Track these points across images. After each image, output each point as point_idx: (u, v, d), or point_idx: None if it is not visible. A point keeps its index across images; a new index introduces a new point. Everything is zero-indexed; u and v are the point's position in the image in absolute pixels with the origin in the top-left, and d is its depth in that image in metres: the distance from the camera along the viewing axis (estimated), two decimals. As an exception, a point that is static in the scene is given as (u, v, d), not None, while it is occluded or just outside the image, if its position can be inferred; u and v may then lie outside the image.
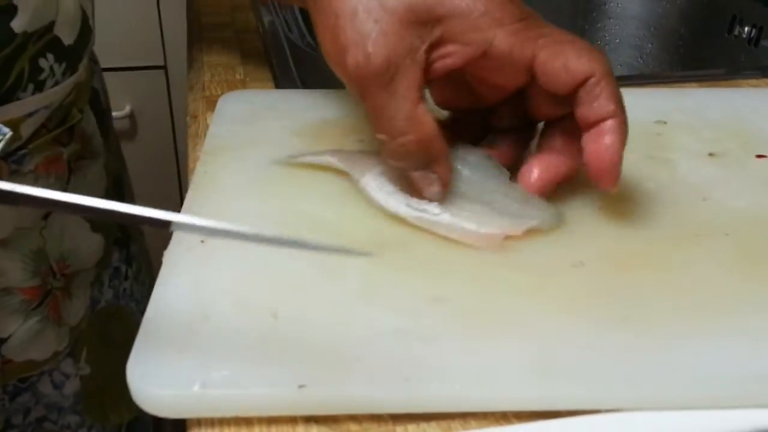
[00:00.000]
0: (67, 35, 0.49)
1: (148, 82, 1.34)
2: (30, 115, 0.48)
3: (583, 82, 0.38)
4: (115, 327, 0.59)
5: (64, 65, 0.50)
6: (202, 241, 0.41)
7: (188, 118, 0.61)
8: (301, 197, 0.45)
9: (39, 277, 0.51)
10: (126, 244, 0.61)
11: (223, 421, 0.32)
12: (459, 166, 0.43)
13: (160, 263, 0.40)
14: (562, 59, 0.38)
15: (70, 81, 0.52)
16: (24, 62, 0.46)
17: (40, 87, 0.48)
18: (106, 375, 0.58)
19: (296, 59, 0.69)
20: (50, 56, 0.49)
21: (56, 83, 0.50)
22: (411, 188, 0.41)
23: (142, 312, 0.61)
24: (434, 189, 0.40)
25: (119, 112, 1.34)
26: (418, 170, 0.40)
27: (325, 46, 0.38)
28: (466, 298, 0.37)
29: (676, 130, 0.52)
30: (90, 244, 0.56)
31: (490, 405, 0.32)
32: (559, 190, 0.44)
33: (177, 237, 0.42)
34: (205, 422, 0.32)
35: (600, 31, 1.00)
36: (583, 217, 0.43)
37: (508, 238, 0.40)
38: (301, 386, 0.32)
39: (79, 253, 0.55)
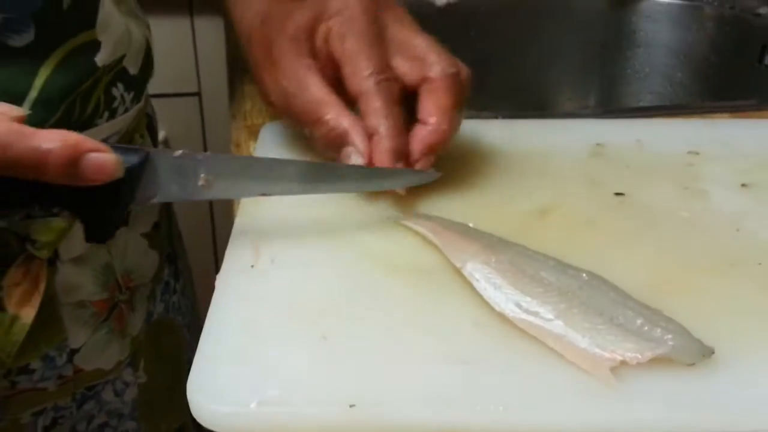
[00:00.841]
0: (132, 65, 0.53)
1: (183, 108, 1.36)
2: (105, 140, 0.51)
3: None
4: (165, 338, 0.63)
5: (132, 94, 0.54)
6: (252, 266, 0.43)
7: (232, 146, 0.63)
8: (347, 224, 0.47)
9: (107, 291, 0.55)
10: (174, 260, 0.64)
11: (278, 431, 0.33)
12: (572, 275, 0.40)
13: (201, 280, 0.42)
14: None
15: (136, 108, 0.55)
16: (100, 92, 0.50)
17: (113, 114, 0.52)
18: (158, 384, 0.61)
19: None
20: (120, 86, 0.52)
21: (126, 110, 0.53)
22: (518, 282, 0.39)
23: (187, 325, 0.65)
24: (356, 160, 0.46)
25: (154, 137, 1.36)
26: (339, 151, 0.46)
27: None
28: (507, 322, 0.38)
29: (708, 160, 0.53)
30: (148, 260, 0.59)
31: (529, 427, 0.34)
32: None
33: (229, 261, 0.43)
34: (261, 431, 0.33)
35: (630, 60, 1.02)
36: (622, 247, 0.44)
37: (623, 364, 0.35)
38: (351, 406, 0.33)
39: (140, 268, 0.58)
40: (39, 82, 0.45)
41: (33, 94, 0.45)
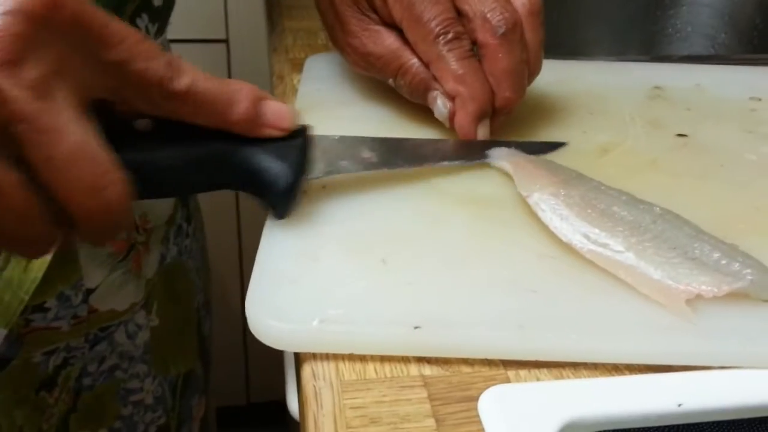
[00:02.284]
0: None
1: (208, 56, 1.34)
2: None
3: None
4: (178, 282, 0.61)
5: (156, 26, 0.52)
6: (304, 192, 0.41)
7: (274, 79, 0.61)
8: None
9: (125, 231, 0.53)
10: (186, 202, 0.63)
11: (338, 356, 0.32)
12: (645, 209, 0.38)
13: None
14: None
15: (159, 41, 0.54)
16: (125, 20, 0.48)
17: None
18: (170, 327, 0.60)
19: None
20: (145, 16, 0.50)
21: None
22: (587, 215, 0.37)
23: (197, 269, 0.63)
24: (442, 104, 0.45)
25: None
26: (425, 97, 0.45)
27: None
28: (574, 256, 0.37)
29: (771, 106, 0.52)
30: (164, 202, 0.58)
31: (602, 356, 0.32)
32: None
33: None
34: (321, 356, 0.32)
35: (672, 18, 0.99)
36: (689, 185, 0.43)
37: (698, 298, 0.33)
38: (416, 327, 0.32)
39: (156, 209, 0.57)
40: None
41: None
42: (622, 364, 0.32)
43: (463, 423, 0.30)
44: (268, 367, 1.39)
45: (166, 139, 0.36)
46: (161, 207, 0.58)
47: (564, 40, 0.98)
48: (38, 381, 0.52)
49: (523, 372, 0.32)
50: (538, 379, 0.32)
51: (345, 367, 0.32)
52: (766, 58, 0.65)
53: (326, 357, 0.32)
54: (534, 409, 0.30)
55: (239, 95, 0.36)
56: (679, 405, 0.30)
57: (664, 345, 0.32)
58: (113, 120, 0.35)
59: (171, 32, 1.20)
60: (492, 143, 0.44)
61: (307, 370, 0.32)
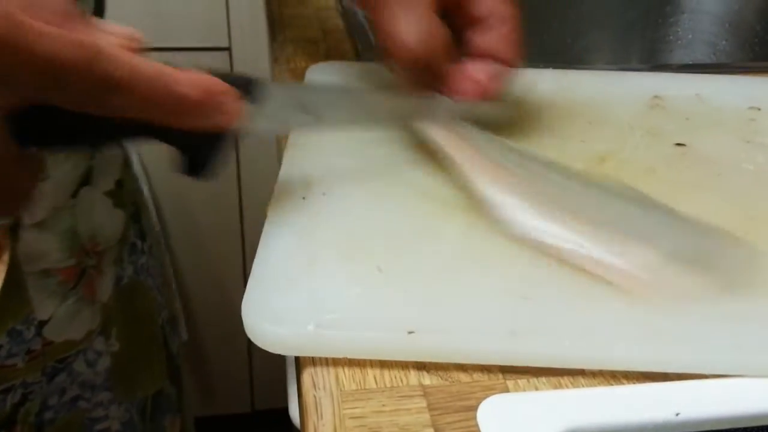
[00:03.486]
0: (86, 5, 0.49)
1: (212, 62, 1.35)
2: None
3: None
4: (138, 302, 0.59)
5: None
6: (304, 198, 0.42)
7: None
8: (395, 158, 0.46)
9: (74, 256, 0.52)
10: (138, 218, 0.60)
11: (337, 363, 0.33)
12: (599, 195, 0.40)
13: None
14: None
15: None
16: None
17: None
18: (133, 350, 0.59)
19: (361, 41, 0.70)
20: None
21: None
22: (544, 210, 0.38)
23: (158, 286, 0.61)
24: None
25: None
26: (425, 86, 0.42)
27: None
28: (567, 263, 0.37)
29: (770, 116, 0.52)
30: (113, 221, 0.56)
31: (595, 363, 0.33)
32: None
33: (278, 192, 0.43)
34: (321, 365, 0.33)
35: (672, 26, 0.99)
36: (686, 194, 0.43)
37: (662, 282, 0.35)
38: (410, 332, 0.32)
39: (106, 229, 0.55)
40: None
41: None
42: (620, 374, 0.33)
43: (462, 432, 0.30)
44: (273, 374, 1.39)
45: None
46: (111, 226, 0.56)
47: (564, 48, 0.98)
48: None
49: (521, 381, 0.32)
50: (536, 389, 0.32)
51: (345, 376, 0.32)
52: (766, 66, 0.65)
53: (326, 365, 0.33)
54: (532, 418, 0.30)
55: (189, 103, 0.33)
56: (677, 414, 0.31)
57: (658, 352, 0.33)
58: None
59: (176, 41, 1.20)
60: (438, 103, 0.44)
61: (307, 379, 0.32)
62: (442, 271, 0.36)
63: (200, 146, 0.35)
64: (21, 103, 0.30)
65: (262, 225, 0.40)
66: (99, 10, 0.51)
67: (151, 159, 1.20)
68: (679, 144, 0.48)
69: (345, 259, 0.37)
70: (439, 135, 0.43)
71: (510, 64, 0.44)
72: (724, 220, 0.41)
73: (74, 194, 0.51)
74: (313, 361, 0.33)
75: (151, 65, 0.32)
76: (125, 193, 0.57)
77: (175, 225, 1.29)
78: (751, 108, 0.53)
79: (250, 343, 0.33)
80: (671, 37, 1.00)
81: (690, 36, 0.99)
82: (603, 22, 1.00)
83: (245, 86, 0.36)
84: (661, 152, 0.47)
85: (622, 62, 0.99)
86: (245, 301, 0.34)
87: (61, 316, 0.51)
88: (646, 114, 0.52)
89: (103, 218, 0.54)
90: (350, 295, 0.35)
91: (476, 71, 0.44)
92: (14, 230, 0.47)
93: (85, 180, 0.52)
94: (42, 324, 0.50)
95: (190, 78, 0.33)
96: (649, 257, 0.35)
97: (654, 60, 1.00)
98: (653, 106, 0.53)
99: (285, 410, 0.62)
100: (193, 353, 1.38)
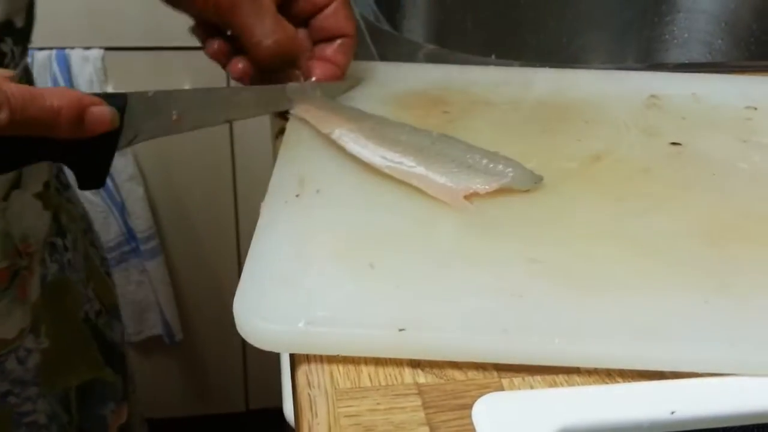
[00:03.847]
0: (19, 18, 0.50)
1: (209, 62, 1.34)
2: None
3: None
4: (64, 298, 0.60)
5: (20, 48, 0.51)
6: (298, 196, 0.42)
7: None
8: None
9: (8, 258, 0.52)
10: (57, 217, 0.61)
11: (332, 360, 0.32)
12: (425, 135, 0.45)
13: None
14: None
15: (22, 63, 0.53)
16: None
17: None
18: (61, 345, 0.59)
19: (373, 36, 0.70)
20: (9, 40, 0.49)
21: (16, 65, 0.51)
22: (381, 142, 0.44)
23: (82, 281, 0.62)
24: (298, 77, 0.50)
25: (179, 89, 1.35)
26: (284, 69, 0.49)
27: None
28: (562, 261, 0.37)
29: (766, 115, 0.52)
30: (43, 222, 0.57)
31: (587, 361, 0.33)
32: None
33: (272, 189, 0.42)
34: (315, 363, 0.32)
35: (669, 25, 0.99)
36: (680, 193, 0.43)
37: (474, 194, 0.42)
38: (401, 330, 0.32)
39: (36, 231, 0.56)
40: None
41: None
42: (615, 372, 0.33)
43: (457, 431, 0.30)
44: (267, 373, 1.39)
45: None
46: (40, 227, 0.56)
47: (560, 48, 0.98)
48: None
49: (516, 380, 0.32)
50: (531, 387, 0.32)
51: (339, 374, 0.32)
52: (762, 65, 0.65)
53: (321, 363, 0.33)
54: (527, 416, 0.30)
55: (61, 114, 0.37)
56: (672, 413, 0.31)
57: (649, 350, 0.33)
58: None
59: (170, 40, 1.20)
60: (294, 88, 0.50)
61: (301, 377, 0.32)
62: (434, 269, 0.36)
63: (86, 160, 0.40)
64: None
65: (256, 224, 0.40)
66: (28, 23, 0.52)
67: (146, 159, 1.20)
68: (674, 143, 0.48)
69: (337, 257, 0.37)
70: (306, 111, 0.49)
71: (352, 36, 0.51)
72: (719, 219, 0.41)
73: (5, 197, 0.52)
74: (308, 359, 0.33)
75: (24, 87, 0.37)
76: (51, 195, 0.59)
77: (170, 225, 1.29)
78: (748, 107, 0.53)
79: (244, 342, 0.33)
80: (667, 36, 1.00)
81: (686, 35, 0.99)
82: (599, 22, 1.00)
83: (113, 101, 0.41)
84: (656, 151, 0.47)
85: (618, 61, 0.99)
86: (237, 297, 0.34)
87: None
88: (642, 113, 0.52)
89: (33, 220, 0.55)
90: (342, 293, 0.35)
91: (328, 52, 0.51)
92: None
93: (16, 183, 0.53)
94: None
95: (59, 91, 0.38)
96: (452, 168, 0.42)
97: (650, 59, 1.00)
98: (649, 106, 0.53)
99: (279, 409, 0.62)
100: (188, 353, 1.38)
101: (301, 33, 0.51)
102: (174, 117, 0.44)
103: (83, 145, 0.40)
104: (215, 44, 0.50)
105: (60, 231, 0.60)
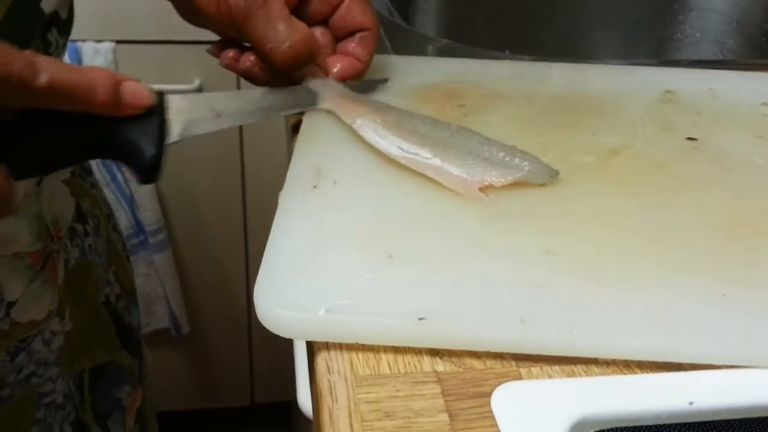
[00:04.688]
0: (63, 9, 0.51)
1: (218, 56, 1.34)
2: None
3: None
4: (86, 282, 0.62)
5: (64, 38, 0.53)
6: (315, 186, 0.42)
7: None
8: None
9: (41, 240, 0.54)
10: (78, 203, 0.62)
11: (351, 348, 0.33)
12: (443, 127, 0.46)
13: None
14: None
15: (63, 54, 0.54)
16: (37, 39, 0.49)
17: None
18: (82, 328, 0.61)
19: (386, 31, 0.70)
20: (54, 30, 0.51)
21: (59, 55, 0.52)
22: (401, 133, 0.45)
23: (103, 265, 0.64)
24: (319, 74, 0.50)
25: (188, 85, 1.35)
26: (302, 68, 0.49)
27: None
28: (579, 253, 0.37)
29: (782, 112, 0.52)
30: (70, 207, 0.59)
31: (604, 352, 0.33)
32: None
33: (290, 180, 0.43)
34: (335, 350, 0.33)
35: (681, 24, 0.99)
36: (696, 188, 0.43)
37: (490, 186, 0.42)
38: (420, 319, 0.32)
39: (65, 215, 0.57)
40: None
41: None
42: (633, 362, 0.33)
43: (476, 418, 0.30)
44: (273, 367, 1.39)
45: (32, 125, 0.39)
46: (68, 212, 0.58)
47: (571, 46, 0.98)
48: None
49: (535, 369, 0.32)
50: (549, 377, 0.32)
51: (359, 362, 0.32)
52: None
53: (340, 350, 0.33)
54: (547, 405, 0.30)
55: (97, 82, 0.38)
56: (690, 403, 0.31)
57: (666, 342, 0.33)
58: None
59: (181, 34, 1.20)
60: (318, 84, 0.50)
61: (321, 364, 0.32)
62: (452, 259, 0.36)
63: (140, 154, 0.41)
64: None
65: (264, 218, 0.40)
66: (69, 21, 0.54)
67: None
68: (690, 138, 0.48)
69: (356, 246, 0.37)
70: (331, 102, 0.49)
71: (372, 29, 0.51)
72: (735, 215, 0.41)
73: (39, 182, 0.53)
74: (327, 347, 0.33)
75: (59, 60, 0.37)
76: (76, 181, 0.60)
77: (178, 218, 1.29)
78: (764, 104, 0.53)
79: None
80: (679, 36, 1.00)
81: (698, 34, 0.99)
82: (611, 20, 1.00)
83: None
84: (672, 146, 0.47)
85: (630, 58, 0.99)
86: (257, 286, 0.34)
87: (27, 298, 0.53)
88: (658, 108, 0.52)
89: (62, 205, 0.57)
90: (361, 282, 0.35)
91: (349, 47, 0.51)
92: None
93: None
94: (10, 305, 0.52)
95: (94, 66, 0.39)
96: (468, 160, 0.43)
97: (662, 58, 1.00)
98: (665, 101, 0.53)
99: (284, 403, 0.62)
100: (194, 346, 1.39)
101: (320, 31, 0.51)
102: (214, 113, 0.45)
103: (133, 136, 0.40)
104: (230, 53, 0.51)
105: (81, 216, 0.61)
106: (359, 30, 0.51)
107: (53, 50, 0.50)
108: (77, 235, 0.60)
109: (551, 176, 0.43)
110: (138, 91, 0.40)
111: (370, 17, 0.51)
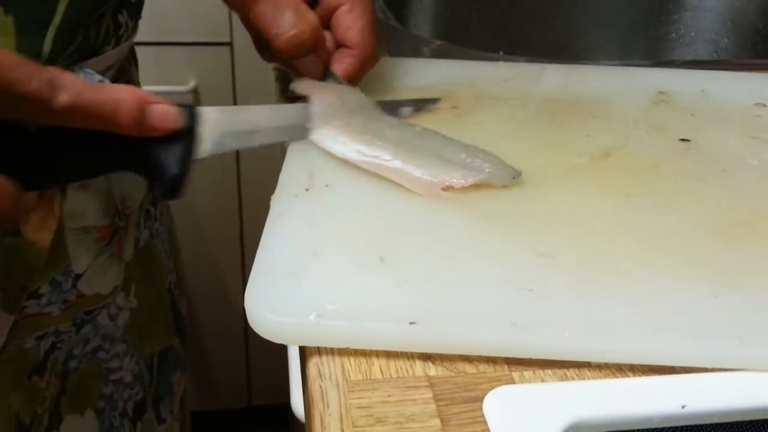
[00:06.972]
0: None
1: (214, 58, 1.34)
2: (110, 67, 0.51)
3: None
4: (151, 264, 0.64)
5: (133, 21, 0.53)
6: (308, 190, 0.42)
7: (277, 82, 0.62)
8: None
9: (108, 216, 0.55)
10: (151, 187, 0.65)
11: (343, 353, 0.33)
12: (409, 129, 0.46)
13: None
14: None
15: (133, 38, 0.55)
16: (109, 18, 0.49)
17: (118, 41, 0.51)
18: (146, 308, 0.63)
19: (381, 32, 0.70)
20: (125, 12, 0.51)
21: (128, 38, 0.53)
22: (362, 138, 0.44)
23: (165, 250, 0.66)
24: (319, 69, 0.49)
25: (183, 86, 1.35)
26: (306, 57, 0.48)
27: None
28: (571, 255, 0.37)
29: (775, 112, 0.52)
30: (139, 187, 0.60)
31: (595, 355, 0.33)
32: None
33: (282, 183, 0.42)
34: (326, 356, 0.32)
35: (675, 24, 0.99)
36: (689, 189, 0.43)
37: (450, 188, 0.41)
38: (412, 323, 0.32)
39: (133, 195, 0.59)
40: (62, 7, 0.44)
41: (57, 19, 0.44)
42: (626, 366, 0.33)
43: (468, 423, 0.30)
44: (270, 369, 1.39)
45: (58, 138, 0.38)
46: (137, 192, 0.59)
47: (566, 46, 0.98)
48: (30, 366, 0.53)
49: (527, 373, 0.32)
50: (542, 381, 0.32)
51: (351, 367, 0.32)
52: (768, 64, 0.65)
53: (331, 355, 0.33)
54: (538, 410, 0.30)
55: (121, 104, 0.37)
56: (683, 407, 0.31)
57: (658, 345, 0.33)
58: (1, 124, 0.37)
59: (177, 35, 1.20)
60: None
61: (312, 369, 0.32)
62: (444, 263, 0.36)
63: (162, 173, 0.40)
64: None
65: (261, 221, 0.40)
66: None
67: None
68: (683, 139, 0.48)
69: (347, 250, 0.37)
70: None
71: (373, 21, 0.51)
72: (729, 215, 0.41)
73: None
74: (319, 352, 0.33)
75: (84, 79, 0.37)
76: None
77: (174, 221, 1.29)
78: (757, 104, 0.53)
79: (247, 338, 0.33)
80: (674, 35, 1.00)
81: (692, 34, 0.99)
82: (605, 20, 1.00)
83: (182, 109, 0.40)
84: (665, 147, 0.47)
85: (625, 58, 0.99)
86: (248, 290, 0.34)
87: (94, 271, 0.55)
88: (651, 109, 0.52)
89: (131, 184, 0.58)
90: (352, 286, 0.35)
91: (356, 33, 0.50)
92: (63, 189, 0.51)
93: None
94: (78, 277, 0.54)
95: (121, 86, 0.38)
96: (430, 162, 0.42)
97: (656, 58, 1.00)
98: (658, 102, 0.53)
99: (282, 406, 0.62)
100: (191, 348, 1.38)
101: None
102: (249, 129, 0.44)
103: (158, 154, 0.40)
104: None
105: (153, 200, 0.63)
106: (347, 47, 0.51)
107: (123, 31, 0.51)
108: (150, 217, 0.63)
109: (513, 177, 0.42)
110: (165, 114, 0.39)
111: (363, 38, 0.50)
